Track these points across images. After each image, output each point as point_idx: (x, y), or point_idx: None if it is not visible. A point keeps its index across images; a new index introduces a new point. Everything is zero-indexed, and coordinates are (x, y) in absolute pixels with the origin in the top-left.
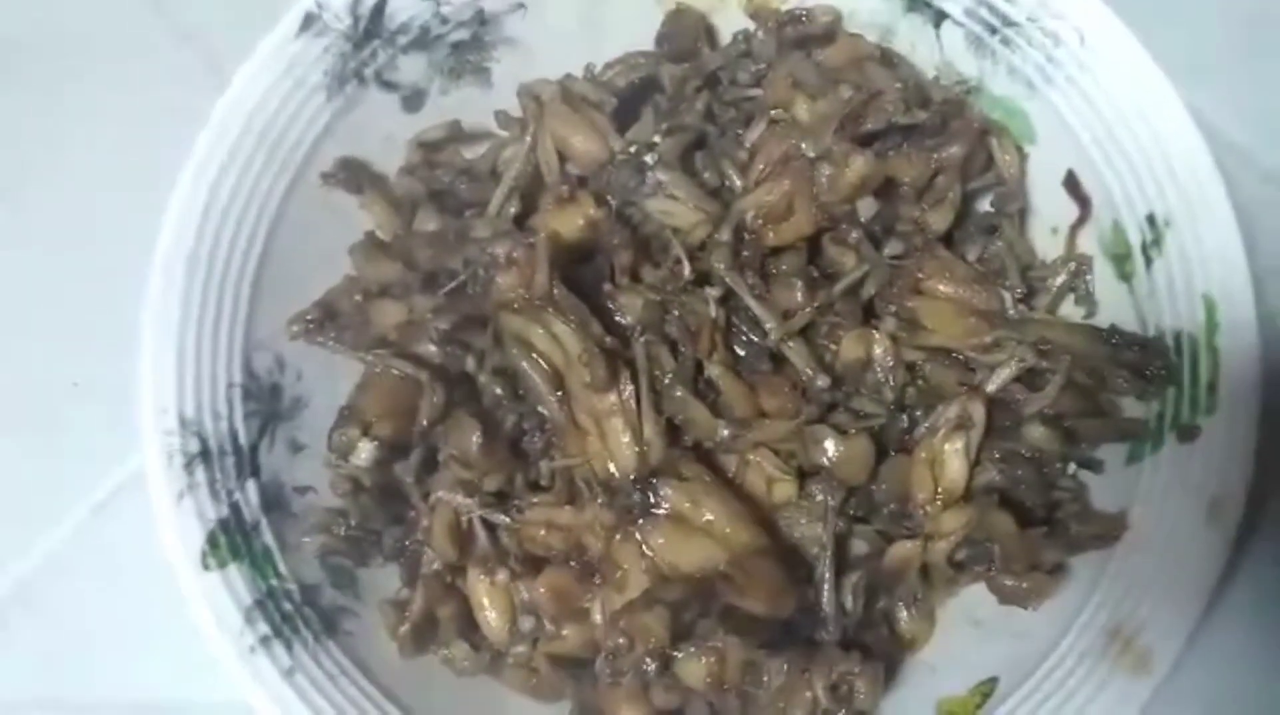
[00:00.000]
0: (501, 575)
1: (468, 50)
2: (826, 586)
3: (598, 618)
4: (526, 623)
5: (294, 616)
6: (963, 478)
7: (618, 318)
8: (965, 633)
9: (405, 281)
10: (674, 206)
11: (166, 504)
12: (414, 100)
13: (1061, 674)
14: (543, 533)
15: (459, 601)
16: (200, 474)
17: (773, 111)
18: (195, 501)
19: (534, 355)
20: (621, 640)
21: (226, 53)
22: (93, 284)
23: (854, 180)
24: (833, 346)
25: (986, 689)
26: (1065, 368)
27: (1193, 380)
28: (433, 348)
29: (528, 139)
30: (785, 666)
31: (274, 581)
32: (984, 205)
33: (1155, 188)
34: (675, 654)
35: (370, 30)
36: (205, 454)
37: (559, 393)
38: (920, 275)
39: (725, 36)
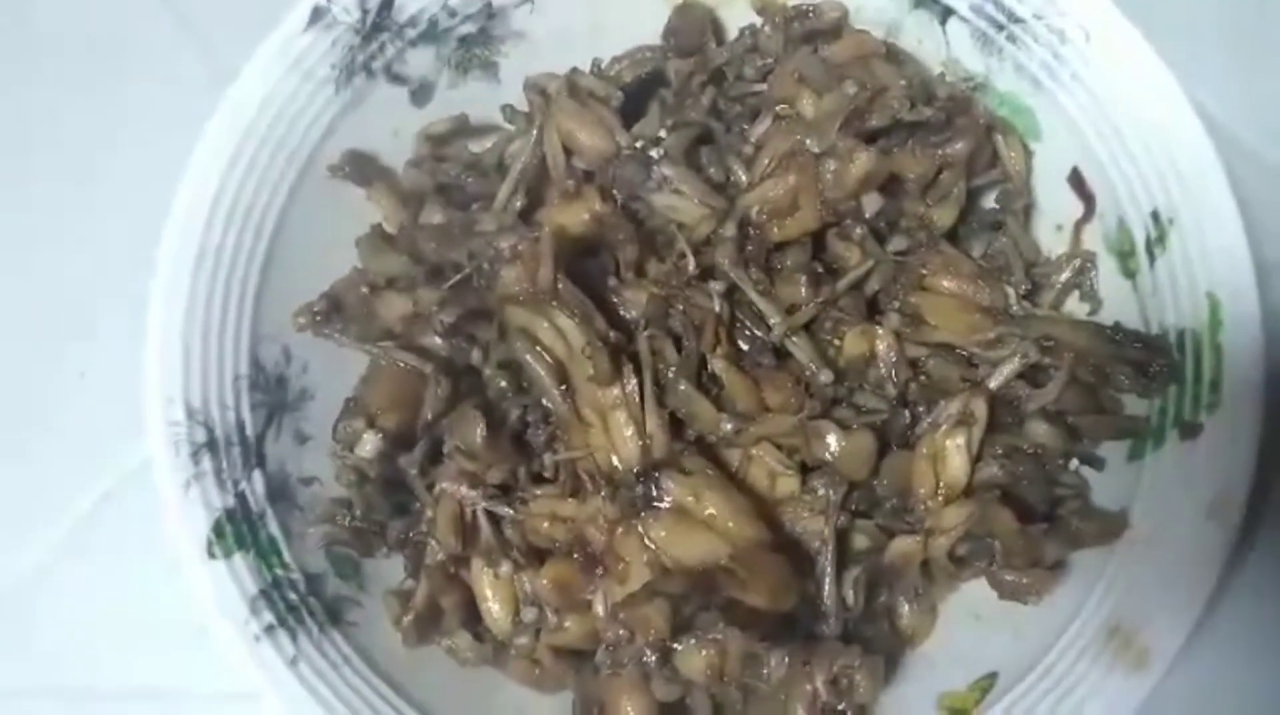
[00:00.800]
0: (505, 567)
1: (475, 44)
2: (828, 581)
3: (600, 609)
4: (529, 614)
5: (299, 606)
6: (964, 473)
7: (622, 312)
8: (966, 628)
9: (411, 274)
10: (679, 201)
11: (173, 493)
12: (422, 94)
13: (1061, 670)
14: (546, 525)
15: (462, 592)
16: (206, 464)
17: (778, 107)
18: (201, 491)
19: (538, 348)
20: (622, 632)
21: (234, 45)
22: (100, 274)
23: (859, 176)
24: (836, 342)
25: (986, 684)
26: (1068, 364)
27: (1195, 378)
28: (438, 340)
29: (534, 133)
30: (786, 659)
31: (279, 571)
32: (989, 201)
33: (1160, 185)
34: (676, 646)
35: (379, 24)
36: (212, 444)
37: (563, 386)
38: (924, 271)
39: (732, 31)
